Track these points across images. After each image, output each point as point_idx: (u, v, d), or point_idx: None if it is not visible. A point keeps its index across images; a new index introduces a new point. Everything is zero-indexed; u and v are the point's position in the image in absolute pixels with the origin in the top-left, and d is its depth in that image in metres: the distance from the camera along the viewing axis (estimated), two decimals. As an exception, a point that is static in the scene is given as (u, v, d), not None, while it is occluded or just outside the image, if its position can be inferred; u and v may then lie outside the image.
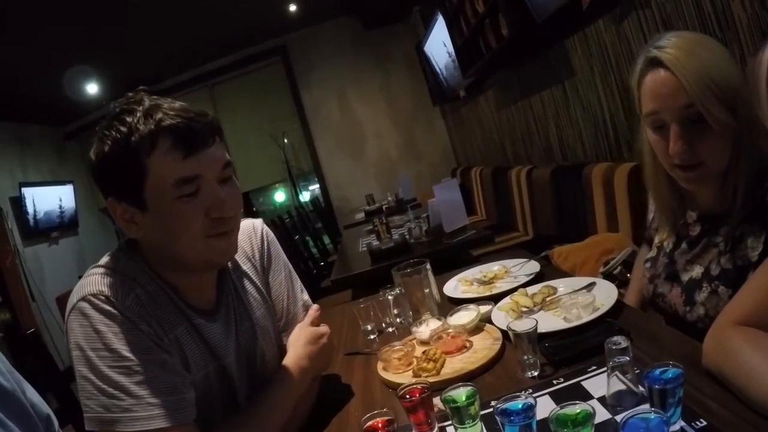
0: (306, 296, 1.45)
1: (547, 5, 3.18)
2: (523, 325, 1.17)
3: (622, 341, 0.97)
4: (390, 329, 1.68)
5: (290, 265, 1.45)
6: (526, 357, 1.17)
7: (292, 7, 6.43)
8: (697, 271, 1.31)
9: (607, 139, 3.34)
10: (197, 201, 1.07)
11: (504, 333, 1.39)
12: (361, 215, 5.72)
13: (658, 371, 0.86)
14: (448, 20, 5.10)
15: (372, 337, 1.66)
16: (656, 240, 1.50)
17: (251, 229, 1.40)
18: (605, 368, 1.01)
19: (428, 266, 1.69)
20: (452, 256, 2.98)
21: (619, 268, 1.91)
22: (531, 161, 4.71)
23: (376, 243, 3.22)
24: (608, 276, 1.85)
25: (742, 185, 1.19)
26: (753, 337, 0.92)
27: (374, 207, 5.50)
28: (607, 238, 2.65)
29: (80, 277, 1.12)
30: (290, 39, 7.50)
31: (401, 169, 7.24)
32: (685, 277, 1.34)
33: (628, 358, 0.95)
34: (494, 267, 2.03)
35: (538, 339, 1.18)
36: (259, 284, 1.36)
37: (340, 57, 7.53)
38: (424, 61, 6.82)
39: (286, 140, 7.85)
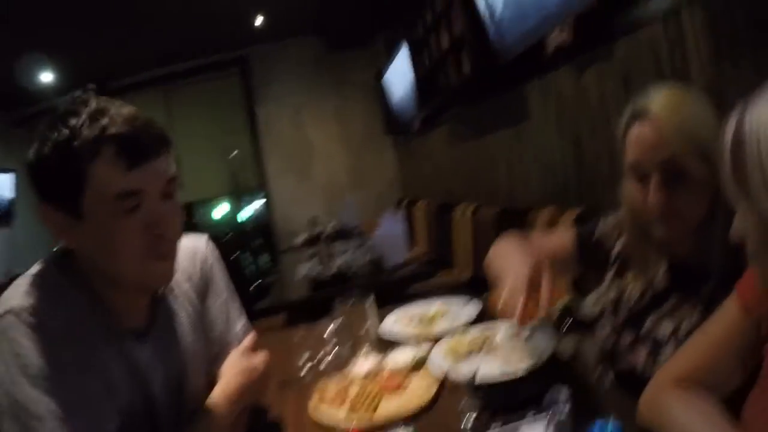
0: (243, 322, 1.39)
1: (511, 48, 3.26)
2: (462, 370, 1.15)
3: (562, 393, 0.96)
4: (326, 360, 1.61)
5: (231, 287, 1.39)
6: (463, 402, 1.14)
7: (258, 20, 6.36)
8: (665, 326, 1.29)
9: (555, 185, 3.40)
10: (137, 217, 1.00)
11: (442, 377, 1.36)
12: (303, 237, 5.65)
13: (598, 425, 0.85)
14: (413, 51, 5.16)
15: (307, 366, 1.59)
16: (606, 290, 1.47)
17: (195, 247, 1.33)
18: (543, 416, 1.01)
19: (372, 300, 1.66)
20: (391, 290, 2.96)
21: (558, 314, 1.92)
22: (477, 200, 4.74)
23: (317, 270, 3.17)
24: (548, 322, 1.86)
25: (719, 242, 1.17)
26: (690, 398, 0.94)
27: (317, 231, 5.44)
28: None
29: (7, 279, 1.03)
30: (252, 52, 7.41)
31: (347, 195, 7.20)
32: (651, 333, 1.31)
33: (567, 410, 0.94)
34: (434, 305, 2.01)
35: (476, 385, 1.16)
36: (195, 307, 1.28)
37: (300, 76, 7.48)
38: (382, 90, 6.86)
39: (236, 153, 7.73)
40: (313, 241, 4.95)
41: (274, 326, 3.25)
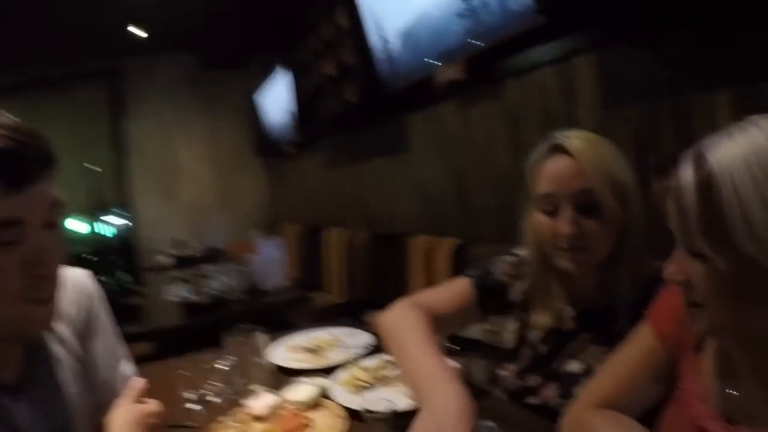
0: (128, 364, 1.23)
1: (398, 81, 3.30)
2: (380, 405, 1.09)
3: (486, 427, 0.94)
4: (215, 399, 1.44)
5: (114, 327, 1.22)
6: (379, 439, 1.08)
7: (133, 32, 5.96)
8: (575, 366, 1.32)
9: (432, 214, 3.46)
10: (15, 252, 0.84)
11: (348, 410, 1.29)
12: (168, 259, 5.34)
13: None
14: (294, 75, 5.10)
15: (194, 407, 1.40)
16: (512, 331, 1.46)
17: (78, 285, 1.16)
18: None
19: (263, 332, 1.54)
20: (270, 317, 2.83)
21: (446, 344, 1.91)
22: (350, 225, 4.74)
23: (190, 295, 2.96)
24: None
25: (625, 282, 1.25)
26: (612, 418, 1.01)
27: (184, 253, 5.17)
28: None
29: None
30: (124, 64, 6.94)
31: (214, 216, 6.93)
32: (561, 372, 1.33)
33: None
34: (323, 335, 1.94)
35: (393, 418, 1.09)
36: (77, 351, 1.11)
37: (173, 93, 7.09)
38: (256, 111, 6.72)
39: (99, 169, 7.16)
40: (179, 262, 4.69)
41: (143, 356, 2.98)
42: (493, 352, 1.61)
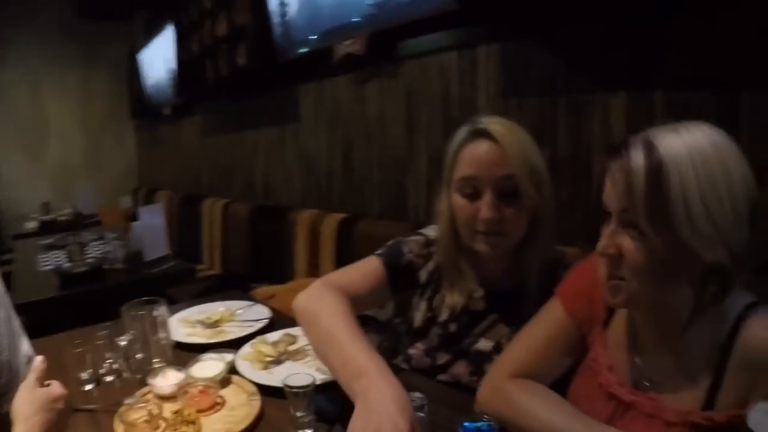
0: (28, 344, 1.15)
1: (293, 48, 3.23)
2: (299, 381, 1.10)
3: (417, 398, 0.98)
4: (109, 378, 1.37)
5: (10, 305, 1.14)
6: (300, 415, 1.09)
7: None
8: (484, 344, 1.37)
9: (318, 187, 3.46)
10: None
11: (258, 385, 1.30)
12: (34, 224, 4.95)
13: (471, 424, 0.91)
14: (180, 34, 4.82)
15: (88, 387, 1.32)
16: (421, 310, 1.48)
17: None
18: None
19: (165, 306, 1.48)
20: (151, 289, 2.73)
21: None
22: (229, 195, 4.63)
23: (66, 264, 2.78)
24: None
25: (536, 265, 1.33)
26: (527, 386, 1.09)
27: (51, 217, 4.81)
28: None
29: None
30: None
31: (82, 179, 6.45)
32: (471, 350, 1.38)
33: (423, 414, 0.96)
34: (217, 308, 1.91)
35: (306, 392, 1.10)
36: None
37: (45, 42, 6.42)
38: (135, 69, 6.27)
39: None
40: (47, 227, 4.36)
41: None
42: (386, 329, 1.66)
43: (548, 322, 1.17)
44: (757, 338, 0.91)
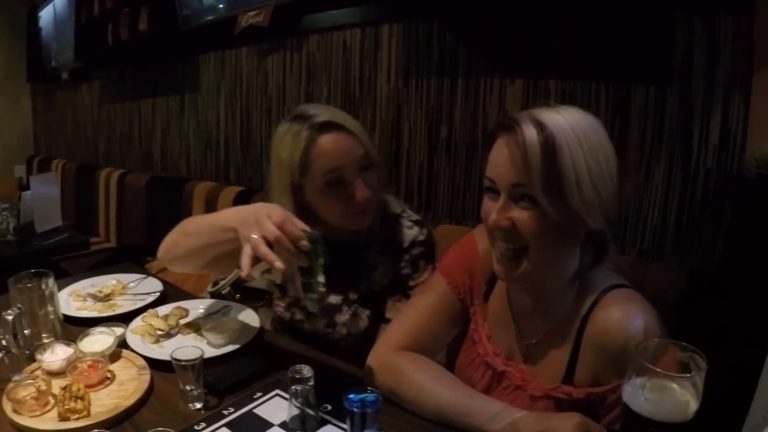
0: None
1: (198, 16, 3.15)
2: (187, 354, 1.11)
3: (305, 370, 1.02)
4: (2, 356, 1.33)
5: None
6: (190, 388, 1.11)
7: None
8: (334, 298, 1.47)
9: (216, 159, 3.41)
10: None
11: (148, 360, 1.29)
12: None
13: (356, 396, 0.94)
14: None
15: None
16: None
17: None
18: (272, 394, 1.14)
19: (53, 279, 1.44)
20: (43, 262, 2.62)
21: (228, 288, 1.94)
22: (125, 166, 4.48)
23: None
24: (216, 295, 1.87)
25: (377, 222, 1.45)
26: (415, 360, 1.15)
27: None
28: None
29: None
30: None
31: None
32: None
33: (309, 385, 1.01)
34: (109, 281, 1.86)
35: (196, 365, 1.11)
36: None
37: None
38: (33, 29, 5.81)
39: None
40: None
41: None
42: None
43: (431, 296, 1.23)
44: (598, 317, 1.00)
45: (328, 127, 1.34)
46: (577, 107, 0.99)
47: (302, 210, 1.38)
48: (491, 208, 0.99)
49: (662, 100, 1.60)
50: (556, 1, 1.78)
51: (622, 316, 0.97)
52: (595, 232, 0.98)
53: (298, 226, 1.08)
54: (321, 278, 1.10)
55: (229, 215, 1.19)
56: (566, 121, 0.94)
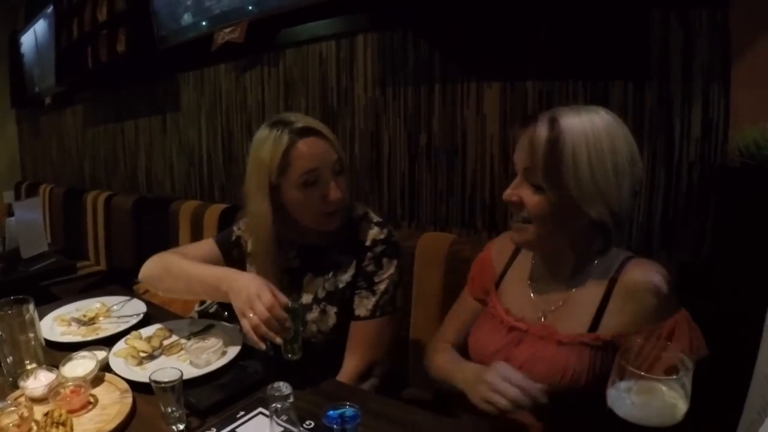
0: None
1: (175, 36, 3.17)
2: (167, 376, 1.11)
3: (283, 387, 1.01)
4: None
5: None
6: (171, 410, 1.11)
7: None
8: (306, 298, 1.58)
9: (200, 178, 3.41)
10: None
11: (131, 383, 1.29)
12: None
13: (335, 412, 0.95)
14: (59, 17, 4.51)
15: None
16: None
17: None
18: (255, 412, 1.13)
19: (33, 305, 1.43)
20: (29, 287, 2.60)
21: (215, 307, 1.94)
22: (111, 188, 4.46)
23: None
24: (204, 314, 1.87)
25: (342, 226, 1.54)
26: (445, 350, 1.45)
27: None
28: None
29: None
30: None
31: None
32: (295, 305, 1.50)
33: (290, 402, 1.00)
34: (93, 304, 1.86)
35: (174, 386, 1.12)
36: None
37: None
38: (15, 54, 5.80)
39: None
40: None
41: None
42: None
43: (462, 303, 1.51)
44: (628, 274, 1.16)
45: (306, 132, 1.45)
46: (606, 109, 1.14)
47: (278, 209, 1.49)
48: (511, 185, 1.20)
49: (641, 96, 1.62)
50: (529, 2, 1.79)
51: (650, 271, 1.14)
52: (597, 221, 1.13)
53: (281, 301, 1.28)
54: (299, 339, 1.31)
55: (219, 277, 1.39)
56: (580, 121, 1.10)
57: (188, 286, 1.48)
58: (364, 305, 1.53)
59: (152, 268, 1.60)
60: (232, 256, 1.70)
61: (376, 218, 1.60)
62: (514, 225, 1.24)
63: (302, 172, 1.44)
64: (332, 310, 1.55)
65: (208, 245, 1.72)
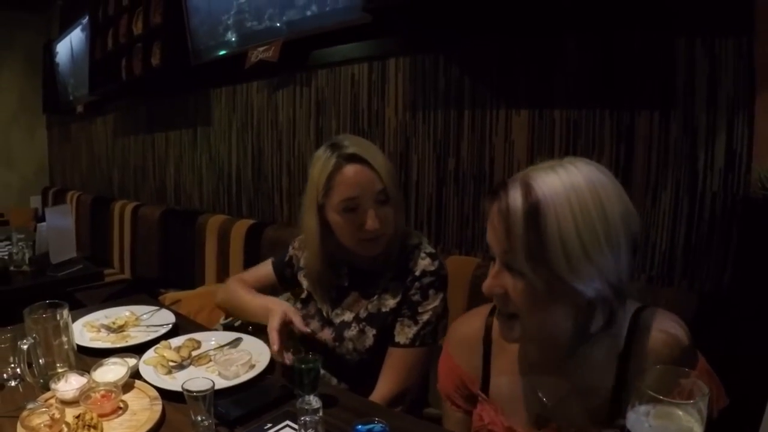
0: None
1: (209, 52, 3.24)
2: (198, 386, 1.13)
3: (313, 401, 1.04)
4: (12, 383, 1.37)
5: None
6: (201, 419, 1.13)
7: None
8: (347, 315, 1.61)
9: (228, 192, 3.46)
10: None
11: (160, 390, 1.31)
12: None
13: (363, 427, 0.96)
14: (94, 28, 4.64)
15: None
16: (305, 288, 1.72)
17: None
18: (282, 425, 1.14)
19: (67, 310, 1.48)
20: (58, 293, 2.65)
21: (240, 321, 1.97)
22: (139, 198, 4.54)
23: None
24: (229, 327, 1.90)
25: (394, 253, 1.57)
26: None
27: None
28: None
29: None
30: None
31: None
32: (336, 320, 1.62)
33: (319, 416, 1.02)
34: (123, 312, 1.90)
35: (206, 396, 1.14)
36: None
37: None
38: (50, 62, 5.96)
39: None
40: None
41: None
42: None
43: (450, 420, 1.26)
44: (656, 340, 0.97)
45: (353, 158, 1.47)
46: (587, 160, 0.95)
47: (324, 227, 1.54)
48: (489, 273, 0.99)
49: (666, 125, 1.63)
50: (557, 29, 1.82)
51: (668, 324, 0.98)
52: (599, 298, 0.93)
53: (298, 328, 1.46)
54: (313, 385, 1.20)
55: (263, 307, 1.57)
56: (560, 182, 0.89)
57: (246, 314, 1.70)
58: (405, 333, 1.54)
59: (222, 297, 1.83)
60: (285, 276, 1.79)
61: (429, 249, 1.60)
62: (498, 318, 1.05)
63: (343, 198, 1.47)
64: (371, 332, 1.57)
65: (266, 268, 1.83)
